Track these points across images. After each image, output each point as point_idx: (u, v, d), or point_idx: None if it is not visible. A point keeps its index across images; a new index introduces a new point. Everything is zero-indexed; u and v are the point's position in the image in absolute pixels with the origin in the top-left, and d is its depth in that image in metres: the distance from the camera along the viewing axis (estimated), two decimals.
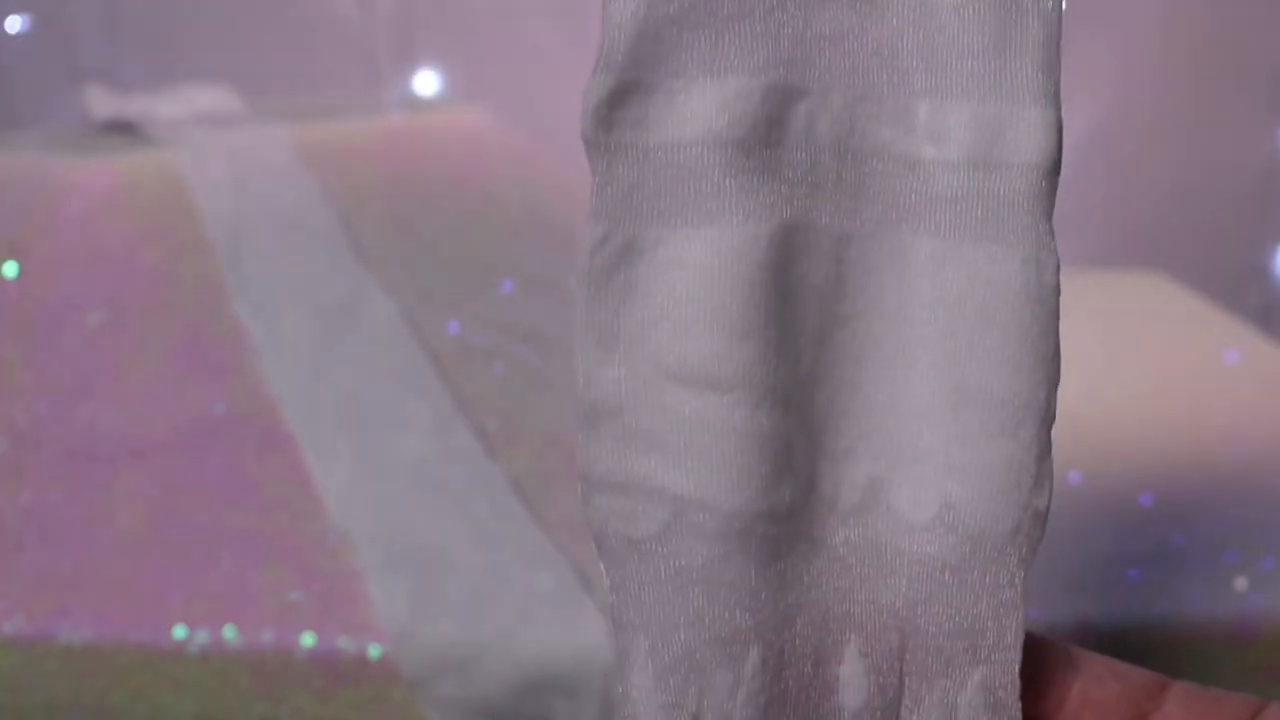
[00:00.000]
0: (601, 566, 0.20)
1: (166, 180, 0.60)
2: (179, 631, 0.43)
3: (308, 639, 0.43)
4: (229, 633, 0.43)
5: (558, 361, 0.60)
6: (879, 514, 0.20)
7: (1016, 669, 0.20)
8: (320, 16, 1.02)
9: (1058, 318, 0.20)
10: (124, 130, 0.67)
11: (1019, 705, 0.20)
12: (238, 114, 0.69)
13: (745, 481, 0.19)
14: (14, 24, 1.05)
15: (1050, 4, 0.19)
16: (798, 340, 0.20)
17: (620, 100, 0.19)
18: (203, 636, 0.43)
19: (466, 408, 0.55)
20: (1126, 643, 0.44)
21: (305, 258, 0.59)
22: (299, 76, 1.04)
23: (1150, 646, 0.44)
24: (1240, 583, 0.46)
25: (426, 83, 1.04)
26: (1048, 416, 0.20)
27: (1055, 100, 0.20)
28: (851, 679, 0.20)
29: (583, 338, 0.20)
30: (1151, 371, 0.67)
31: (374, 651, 0.43)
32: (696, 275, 0.19)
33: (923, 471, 0.20)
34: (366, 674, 0.43)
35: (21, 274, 0.56)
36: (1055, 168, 0.20)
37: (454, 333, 0.59)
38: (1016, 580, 0.20)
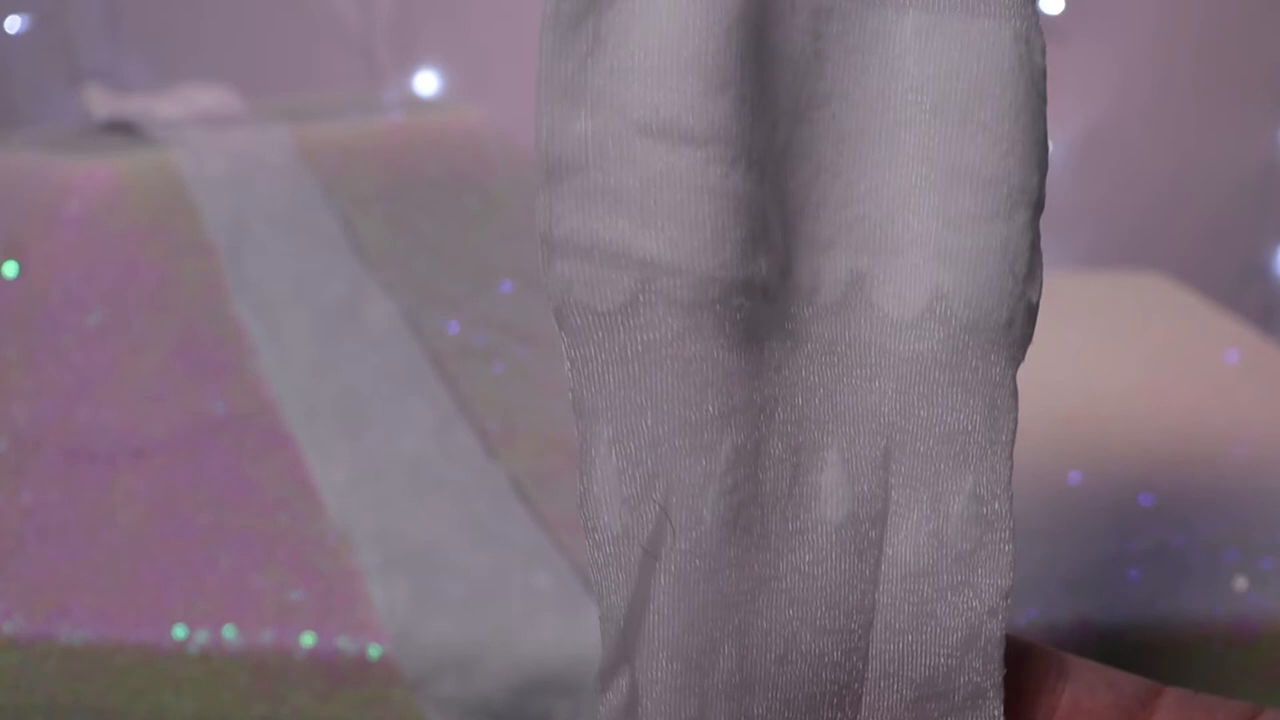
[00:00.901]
0: (562, 347, 0.19)
1: (166, 180, 0.60)
2: (179, 631, 0.43)
3: (308, 639, 0.43)
4: (229, 633, 0.43)
5: (558, 361, 0.60)
6: (861, 312, 0.19)
7: (1009, 477, 0.19)
8: (320, 16, 1.02)
9: (1046, 102, 0.19)
10: (124, 130, 0.67)
11: (1011, 519, 0.19)
12: (238, 114, 0.69)
13: (719, 244, 0.18)
14: (14, 24, 1.05)
15: None
16: (774, 110, 0.19)
17: None
18: (203, 636, 0.43)
19: (466, 408, 0.55)
20: (1126, 643, 0.44)
21: (305, 258, 0.59)
22: (299, 76, 1.04)
23: (1150, 646, 0.44)
24: (1240, 583, 0.46)
25: (426, 83, 1.04)
26: (1039, 203, 0.19)
27: None
28: (834, 489, 0.19)
29: (545, 91, 0.18)
30: (1151, 372, 0.67)
31: (374, 651, 0.43)
32: (670, 23, 0.18)
33: (910, 263, 0.19)
34: (366, 674, 0.43)
35: (21, 274, 0.56)
36: None
37: (454, 333, 0.59)
38: (1008, 379, 0.19)
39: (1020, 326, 0.19)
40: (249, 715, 0.43)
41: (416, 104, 0.88)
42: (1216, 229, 1.03)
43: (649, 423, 0.18)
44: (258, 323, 0.56)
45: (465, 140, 0.72)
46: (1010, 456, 0.19)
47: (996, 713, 0.19)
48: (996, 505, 0.19)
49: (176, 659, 0.43)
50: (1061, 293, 0.81)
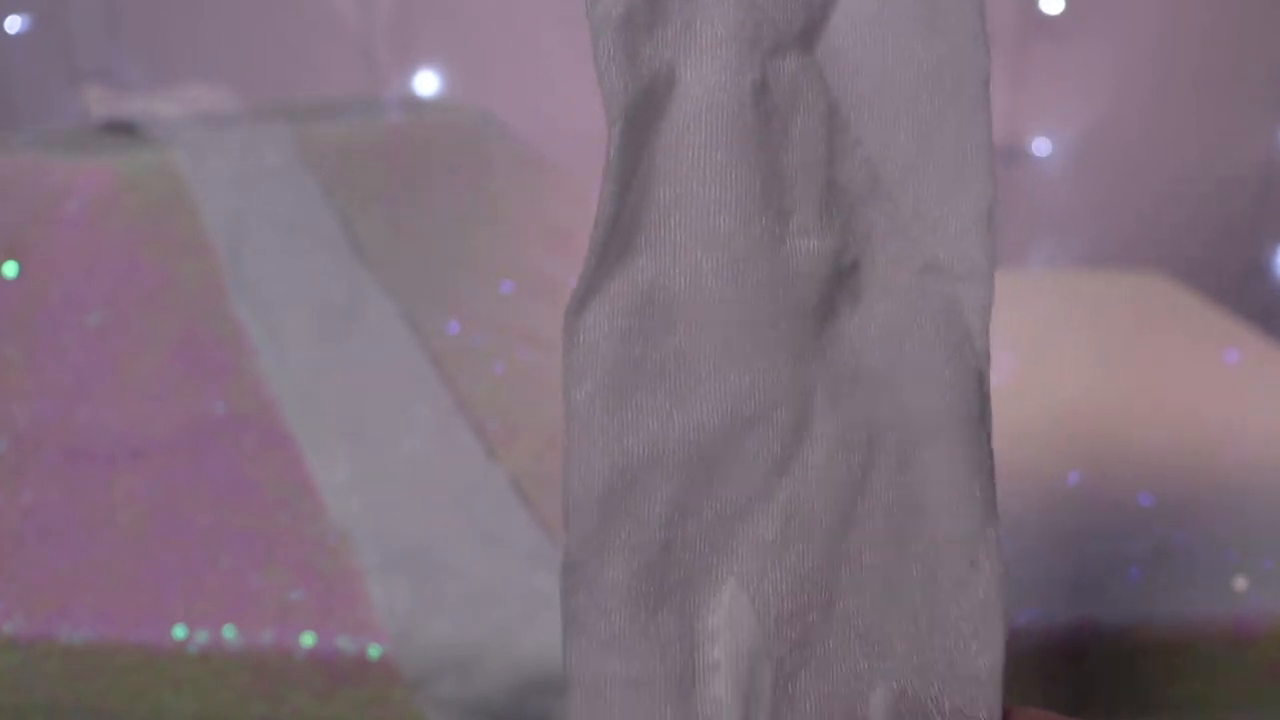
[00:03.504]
0: None
1: (166, 180, 0.60)
2: (179, 631, 0.43)
3: (308, 639, 0.43)
4: (229, 633, 0.43)
5: (558, 361, 0.60)
6: None
7: None
8: (320, 16, 1.02)
9: None
10: (124, 130, 0.67)
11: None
12: (238, 114, 0.69)
13: None
14: (14, 24, 1.05)
15: None
16: None
17: None
18: (203, 636, 0.43)
19: (466, 408, 0.55)
20: (1127, 643, 0.44)
21: (305, 258, 0.59)
22: (299, 76, 1.04)
23: (1150, 646, 0.44)
24: (1240, 583, 0.46)
25: (426, 83, 1.04)
26: None
27: None
28: None
29: None
30: (1151, 371, 0.67)
31: (374, 651, 0.43)
32: None
33: None
34: (366, 674, 0.43)
35: (21, 274, 0.56)
36: None
37: (454, 333, 0.59)
38: None
39: None
40: (249, 715, 0.43)
41: (416, 104, 0.88)
42: (1216, 229, 1.03)
43: None
44: (258, 323, 0.56)
45: (465, 140, 0.72)
46: None
47: None
48: None
49: (176, 659, 0.43)
50: (1061, 293, 0.81)
